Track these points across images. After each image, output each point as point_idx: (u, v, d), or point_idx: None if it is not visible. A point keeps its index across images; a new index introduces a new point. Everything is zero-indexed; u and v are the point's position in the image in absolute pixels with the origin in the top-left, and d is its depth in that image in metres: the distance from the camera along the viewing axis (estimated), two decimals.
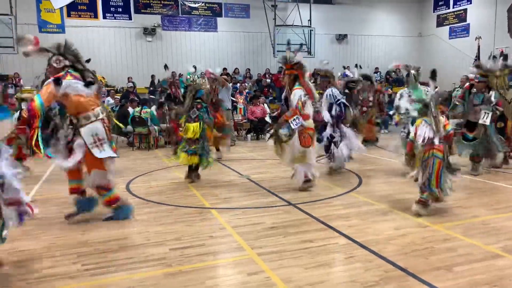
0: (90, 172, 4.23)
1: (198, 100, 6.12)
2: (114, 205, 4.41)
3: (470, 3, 16.97)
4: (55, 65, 4.22)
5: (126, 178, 6.59)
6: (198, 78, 6.49)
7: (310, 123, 5.42)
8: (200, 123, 6.02)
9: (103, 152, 4.18)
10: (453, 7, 17.76)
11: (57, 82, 3.95)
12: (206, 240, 3.85)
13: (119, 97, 12.65)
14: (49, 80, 4.04)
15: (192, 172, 6.28)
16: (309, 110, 5.43)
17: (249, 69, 16.74)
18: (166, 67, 8.08)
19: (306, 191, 5.52)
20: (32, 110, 3.83)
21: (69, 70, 4.18)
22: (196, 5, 16.35)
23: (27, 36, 4.14)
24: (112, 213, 4.45)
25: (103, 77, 13.93)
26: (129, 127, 10.16)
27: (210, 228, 4.19)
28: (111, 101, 12.08)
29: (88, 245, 3.79)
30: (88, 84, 4.19)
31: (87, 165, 4.24)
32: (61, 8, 14.06)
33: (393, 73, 17.97)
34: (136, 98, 11.40)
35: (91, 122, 4.16)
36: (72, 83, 4.08)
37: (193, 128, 5.96)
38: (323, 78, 6.73)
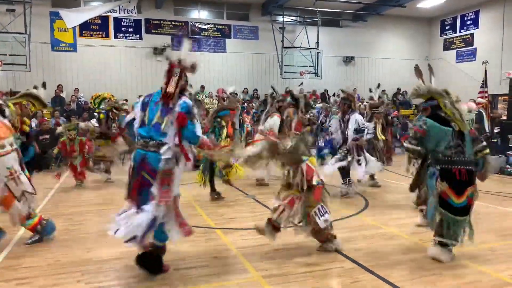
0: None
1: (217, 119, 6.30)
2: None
3: (477, 27, 17.09)
4: None
5: None
6: (206, 97, 6.60)
7: None
8: None
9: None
10: (460, 32, 17.89)
11: None
12: (211, 261, 3.82)
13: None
14: None
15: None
16: None
17: (256, 90, 16.88)
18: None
19: None
20: None
21: None
22: (206, 27, 16.64)
23: None
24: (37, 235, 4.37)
25: (112, 95, 14.10)
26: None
27: (215, 249, 4.16)
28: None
29: (93, 263, 3.78)
30: None
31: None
32: (73, 28, 14.37)
33: (400, 95, 18.02)
34: None
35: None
36: None
37: None
38: (345, 101, 6.62)
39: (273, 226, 3.95)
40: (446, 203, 3.68)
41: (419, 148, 3.79)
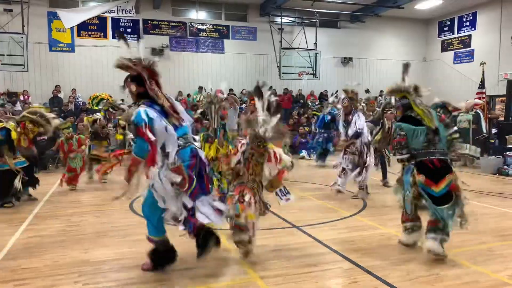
0: None
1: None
2: None
3: (475, 29, 17.15)
4: None
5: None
6: (205, 98, 6.53)
7: None
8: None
9: None
10: (458, 33, 17.94)
11: None
12: (210, 262, 3.80)
13: None
14: None
15: None
16: None
17: None
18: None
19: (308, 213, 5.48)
20: None
21: None
22: (204, 27, 16.64)
23: None
24: None
25: (110, 96, 14.09)
26: None
27: (214, 250, 4.15)
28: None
29: (90, 264, 3.76)
30: None
31: None
32: (71, 28, 14.34)
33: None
34: None
35: None
36: None
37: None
38: (351, 100, 6.63)
39: (239, 228, 3.69)
40: (428, 194, 3.78)
41: (407, 155, 3.95)
